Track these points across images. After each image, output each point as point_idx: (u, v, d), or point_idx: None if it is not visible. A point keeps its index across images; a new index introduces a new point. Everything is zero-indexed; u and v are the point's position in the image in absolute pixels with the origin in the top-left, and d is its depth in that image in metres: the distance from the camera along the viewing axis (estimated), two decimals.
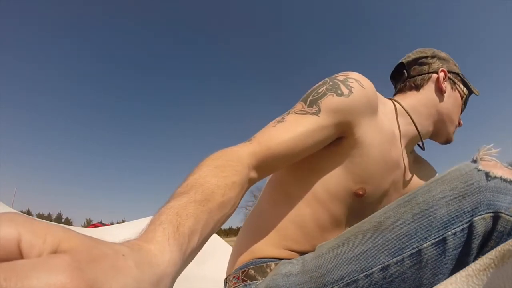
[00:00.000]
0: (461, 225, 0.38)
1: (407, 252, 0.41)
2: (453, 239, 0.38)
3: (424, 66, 0.82)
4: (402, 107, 0.77)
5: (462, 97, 0.83)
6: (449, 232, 0.39)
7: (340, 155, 0.66)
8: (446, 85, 0.80)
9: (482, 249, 0.38)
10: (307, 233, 0.67)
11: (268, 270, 0.63)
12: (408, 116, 0.77)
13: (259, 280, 0.61)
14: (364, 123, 0.64)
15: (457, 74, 0.83)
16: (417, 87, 0.81)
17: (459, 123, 0.85)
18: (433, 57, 0.83)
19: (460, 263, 0.39)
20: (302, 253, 0.67)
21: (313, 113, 0.59)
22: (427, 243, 0.40)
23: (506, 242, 0.31)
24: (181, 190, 0.36)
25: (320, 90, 0.62)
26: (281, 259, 0.64)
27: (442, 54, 0.84)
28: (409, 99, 0.80)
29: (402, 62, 0.85)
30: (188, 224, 0.31)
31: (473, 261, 0.36)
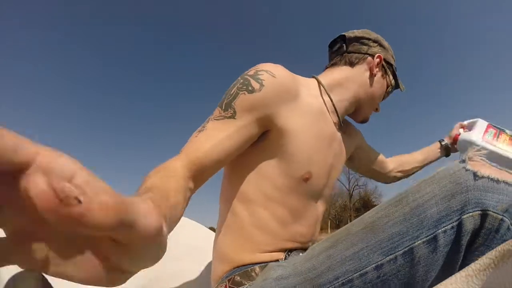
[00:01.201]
0: (451, 223, 0.40)
1: (399, 250, 0.42)
2: (444, 237, 0.40)
3: (364, 46, 0.84)
4: (323, 86, 0.79)
5: (387, 87, 0.88)
6: (440, 230, 0.40)
7: (272, 148, 0.66)
8: (378, 71, 0.84)
9: (471, 246, 0.40)
10: (274, 233, 0.67)
11: (253, 274, 0.63)
12: (329, 93, 0.79)
13: (246, 284, 0.61)
14: (285, 111, 0.64)
15: (391, 65, 0.88)
16: (351, 64, 0.83)
17: (377, 109, 0.91)
18: (375, 41, 0.85)
19: (451, 259, 0.40)
20: (280, 250, 0.68)
21: (230, 117, 0.59)
22: (419, 242, 0.41)
23: (506, 242, 0.31)
24: (140, 193, 0.37)
25: (232, 92, 0.62)
26: (264, 261, 0.65)
27: (385, 43, 0.87)
28: (340, 73, 0.82)
29: (344, 35, 0.86)
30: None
31: (462, 257, 0.40)
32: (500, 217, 0.38)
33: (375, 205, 0.56)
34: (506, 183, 0.39)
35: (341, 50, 0.85)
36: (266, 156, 0.67)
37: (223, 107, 0.61)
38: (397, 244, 0.42)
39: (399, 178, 1.15)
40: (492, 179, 0.39)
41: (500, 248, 0.30)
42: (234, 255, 0.66)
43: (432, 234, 0.40)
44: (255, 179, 0.67)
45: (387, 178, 1.13)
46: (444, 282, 0.32)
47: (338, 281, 0.45)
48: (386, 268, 0.42)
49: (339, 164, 0.82)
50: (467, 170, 0.41)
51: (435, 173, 0.45)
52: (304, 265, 0.53)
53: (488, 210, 0.38)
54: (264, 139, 0.66)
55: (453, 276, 0.32)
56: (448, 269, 0.40)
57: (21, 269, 0.19)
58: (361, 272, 0.43)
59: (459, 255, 0.40)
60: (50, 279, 0.21)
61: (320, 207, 0.77)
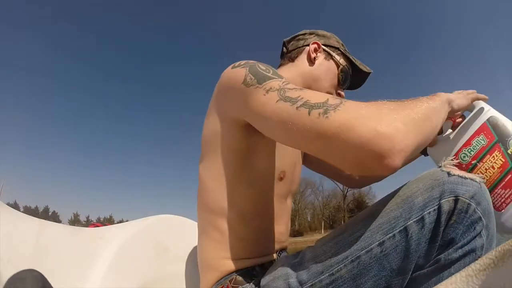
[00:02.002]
0: (433, 207, 0.51)
1: (396, 230, 0.52)
2: (429, 217, 0.51)
3: (300, 41, 0.92)
4: None
5: (338, 67, 0.91)
6: (425, 212, 0.51)
7: (257, 147, 0.68)
8: (318, 56, 0.90)
9: (448, 222, 0.51)
10: (262, 239, 0.71)
11: (254, 272, 0.65)
12: None
13: (250, 282, 0.63)
14: None
15: (337, 48, 0.92)
16: (292, 59, 0.91)
17: (339, 94, 0.92)
18: (310, 34, 0.93)
19: (434, 233, 0.51)
20: (272, 252, 0.73)
21: (289, 82, 0.61)
22: (411, 222, 0.51)
23: (506, 242, 0.31)
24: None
25: (262, 69, 0.63)
26: (262, 263, 0.68)
27: (323, 32, 0.94)
28: (286, 71, 0.88)
29: (284, 40, 0.95)
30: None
31: (442, 232, 0.51)
32: (468, 201, 0.50)
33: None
34: (471, 179, 0.52)
35: (282, 52, 0.95)
36: (250, 157, 0.67)
37: (277, 75, 0.62)
38: (394, 225, 0.52)
39: (362, 184, 1.10)
40: (460, 176, 0.52)
41: (500, 248, 0.31)
42: (231, 260, 0.66)
43: (420, 215, 0.51)
44: (240, 188, 0.68)
45: (349, 181, 1.09)
46: (444, 282, 0.32)
47: (347, 259, 0.53)
48: (387, 244, 0.52)
49: (299, 159, 0.89)
50: (442, 170, 0.54)
51: (419, 175, 0.57)
52: (315, 251, 0.59)
53: (459, 196, 0.50)
54: (253, 136, 0.65)
55: (453, 276, 0.32)
56: (433, 241, 0.51)
57: (21, 269, 0.19)
58: (367, 249, 0.52)
59: (440, 229, 0.51)
60: (50, 278, 0.21)
61: (289, 204, 0.83)
